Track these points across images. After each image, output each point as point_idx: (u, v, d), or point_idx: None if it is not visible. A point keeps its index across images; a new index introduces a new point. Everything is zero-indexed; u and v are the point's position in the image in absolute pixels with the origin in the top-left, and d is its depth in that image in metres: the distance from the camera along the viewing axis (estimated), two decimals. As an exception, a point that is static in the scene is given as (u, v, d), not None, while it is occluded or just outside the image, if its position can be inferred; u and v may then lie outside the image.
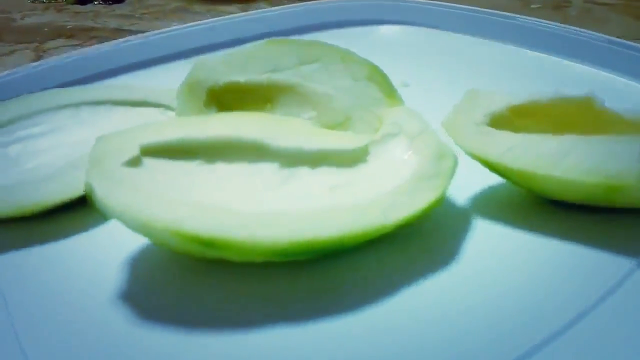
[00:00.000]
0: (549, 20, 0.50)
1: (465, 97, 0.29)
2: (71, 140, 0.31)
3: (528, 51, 0.46)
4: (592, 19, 0.60)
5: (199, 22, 0.55)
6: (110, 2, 0.75)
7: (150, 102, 0.34)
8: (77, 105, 0.33)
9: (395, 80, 0.39)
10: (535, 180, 0.25)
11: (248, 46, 0.31)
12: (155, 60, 0.47)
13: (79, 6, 0.73)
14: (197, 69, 0.30)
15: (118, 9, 0.72)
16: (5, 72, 0.43)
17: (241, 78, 0.29)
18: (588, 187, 0.23)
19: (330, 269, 0.23)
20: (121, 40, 0.50)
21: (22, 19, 0.68)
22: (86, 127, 0.32)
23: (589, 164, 0.23)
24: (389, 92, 0.29)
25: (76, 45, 0.59)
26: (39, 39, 0.61)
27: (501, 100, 0.28)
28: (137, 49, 0.48)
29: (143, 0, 0.75)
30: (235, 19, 0.55)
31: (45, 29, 0.64)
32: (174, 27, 0.53)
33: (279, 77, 0.29)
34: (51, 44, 0.59)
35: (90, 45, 0.58)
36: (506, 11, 0.53)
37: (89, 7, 0.73)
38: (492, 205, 0.28)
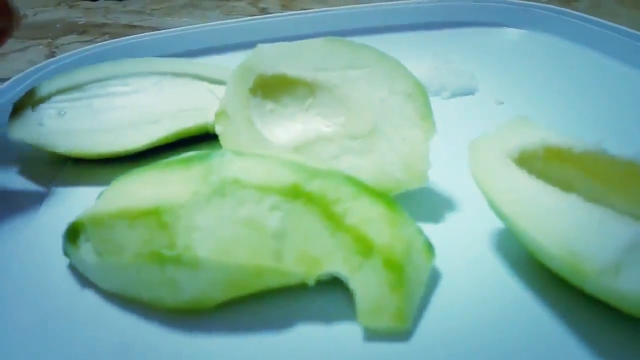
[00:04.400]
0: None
1: (510, 121, 0.26)
2: (144, 103, 0.35)
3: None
4: (601, 13, 0.60)
5: (285, 13, 0.55)
6: (121, -2, 0.75)
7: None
8: (163, 74, 0.37)
9: (495, 90, 0.39)
10: (517, 232, 0.22)
11: (307, 41, 0.31)
12: (245, 45, 0.48)
13: (90, 2, 0.74)
14: (254, 55, 0.31)
15: (128, 5, 0.73)
16: (127, 38, 0.50)
17: (289, 71, 0.30)
18: (555, 258, 0.20)
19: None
20: (218, 22, 0.53)
21: (34, 15, 0.69)
22: (162, 94, 0.36)
23: (566, 232, 0.20)
24: (424, 113, 0.28)
25: (88, 41, 0.60)
26: (51, 35, 0.62)
27: (540, 135, 0.24)
28: (230, 32, 0.51)
29: (153, -4, 0.76)
30: (342, 10, 0.54)
31: (58, 25, 0.65)
32: (259, 16, 0.54)
33: (323, 77, 0.29)
34: (64, 39, 0.60)
35: (102, 41, 0.59)
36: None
37: (100, 3, 0.73)
38: (495, 251, 0.25)
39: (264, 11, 0.68)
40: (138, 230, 0.22)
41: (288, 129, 0.30)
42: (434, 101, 0.38)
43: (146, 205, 0.23)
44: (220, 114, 0.30)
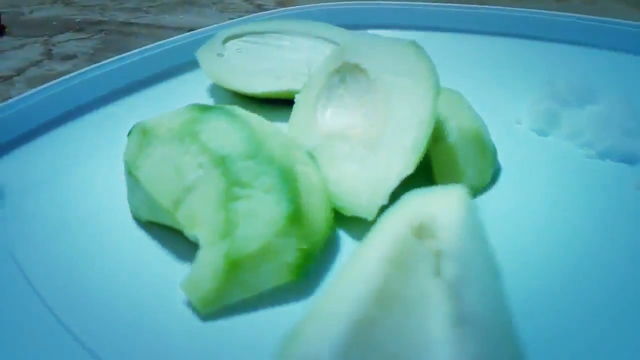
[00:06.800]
0: (551, 10, 0.50)
1: (460, 188, 0.22)
2: (289, 58, 0.40)
3: None
4: (595, 10, 0.61)
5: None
6: (117, -4, 0.75)
7: None
8: (324, 39, 0.42)
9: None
10: None
11: (396, 40, 0.30)
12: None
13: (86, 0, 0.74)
14: (351, 39, 0.33)
15: (125, 2, 0.73)
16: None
17: (366, 65, 0.30)
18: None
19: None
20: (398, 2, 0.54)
21: (30, 12, 0.69)
22: (307, 55, 0.40)
23: (312, 317, 0.18)
24: (417, 147, 0.25)
25: (85, 38, 0.60)
26: (48, 33, 0.62)
27: (438, 215, 0.20)
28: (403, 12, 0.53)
29: (149, -7, 0.76)
30: (539, 14, 0.50)
31: (54, 23, 0.65)
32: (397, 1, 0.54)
33: (384, 79, 0.29)
34: (60, 37, 0.60)
35: (99, 39, 0.59)
36: (506, 5, 0.53)
37: (96, 0, 0.73)
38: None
39: (259, 8, 0.68)
40: (134, 140, 0.28)
41: (337, 117, 0.31)
42: (572, 154, 0.31)
43: (149, 126, 0.28)
44: (306, 85, 0.33)
